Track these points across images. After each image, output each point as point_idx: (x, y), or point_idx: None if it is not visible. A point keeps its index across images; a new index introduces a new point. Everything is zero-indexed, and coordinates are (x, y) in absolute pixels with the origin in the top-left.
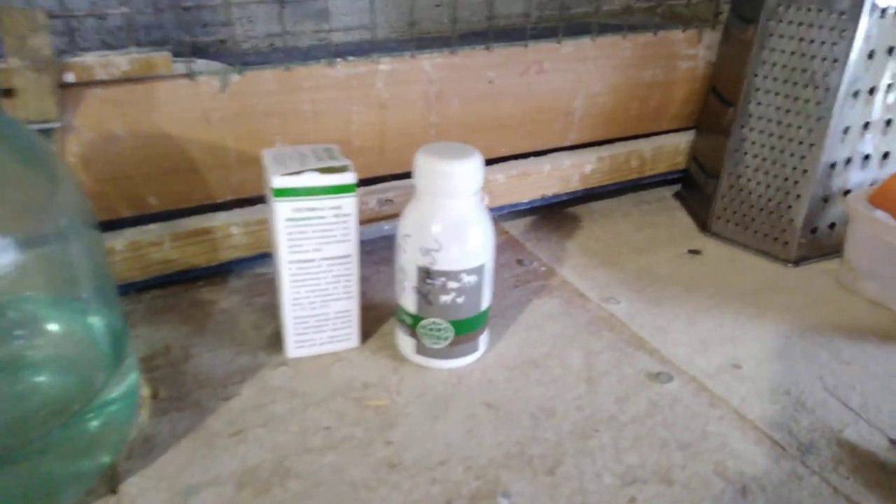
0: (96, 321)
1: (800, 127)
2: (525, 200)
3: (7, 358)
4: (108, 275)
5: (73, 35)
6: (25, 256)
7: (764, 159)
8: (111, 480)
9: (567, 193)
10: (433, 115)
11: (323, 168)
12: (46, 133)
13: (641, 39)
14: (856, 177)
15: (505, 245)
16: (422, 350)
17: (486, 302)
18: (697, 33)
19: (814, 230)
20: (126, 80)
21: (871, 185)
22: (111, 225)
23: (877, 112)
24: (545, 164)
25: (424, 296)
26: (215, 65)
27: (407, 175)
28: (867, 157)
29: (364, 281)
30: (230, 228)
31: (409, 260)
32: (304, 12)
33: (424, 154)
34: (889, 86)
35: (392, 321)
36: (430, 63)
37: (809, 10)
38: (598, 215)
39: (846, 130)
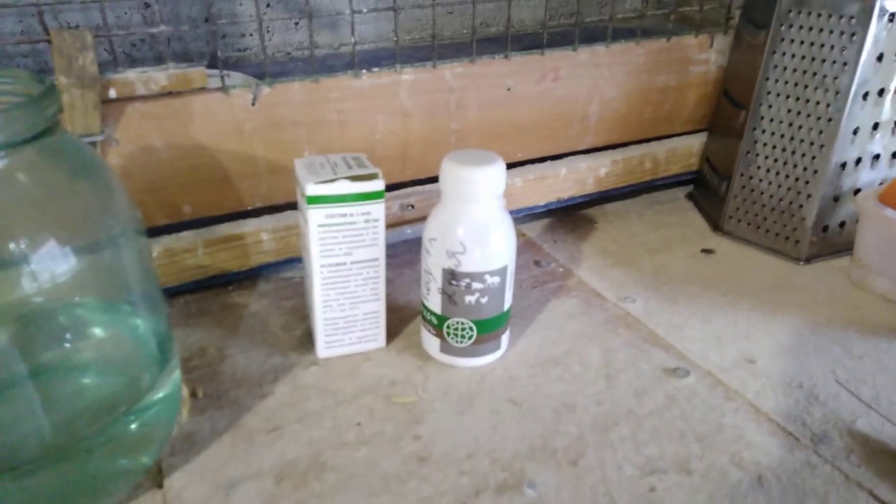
0: (143, 325)
1: (810, 128)
2: (542, 203)
3: (56, 360)
4: (155, 280)
5: (114, 52)
6: (81, 263)
7: (775, 160)
8: (157, 475)
9: (583, 196)
10: (454, 123)
11: (354, 176)
12: (91, 146)
13: (654, 45)
14: (866, 176)
15: (523, 247)
16: (446, 349)
17: (508, 302)
18: (709, 38)
19: (825, 229)
20: (164, 94)
21: (881, 184)
22: (148, 233)
23: (886, 113)
24: (561, 168)
25: (449, 297)
26: (248, 78)
27: (429, 181)
28: (877, 156)
29: (388, 283)
30: (260, 234)
31: (434, 263)
32: (321, 23)
33: (450, 161)
34: None
35: (416, 322)
36: (450, 72)
37: (820, 15)
38: (612, 217)
39: (856, 131)
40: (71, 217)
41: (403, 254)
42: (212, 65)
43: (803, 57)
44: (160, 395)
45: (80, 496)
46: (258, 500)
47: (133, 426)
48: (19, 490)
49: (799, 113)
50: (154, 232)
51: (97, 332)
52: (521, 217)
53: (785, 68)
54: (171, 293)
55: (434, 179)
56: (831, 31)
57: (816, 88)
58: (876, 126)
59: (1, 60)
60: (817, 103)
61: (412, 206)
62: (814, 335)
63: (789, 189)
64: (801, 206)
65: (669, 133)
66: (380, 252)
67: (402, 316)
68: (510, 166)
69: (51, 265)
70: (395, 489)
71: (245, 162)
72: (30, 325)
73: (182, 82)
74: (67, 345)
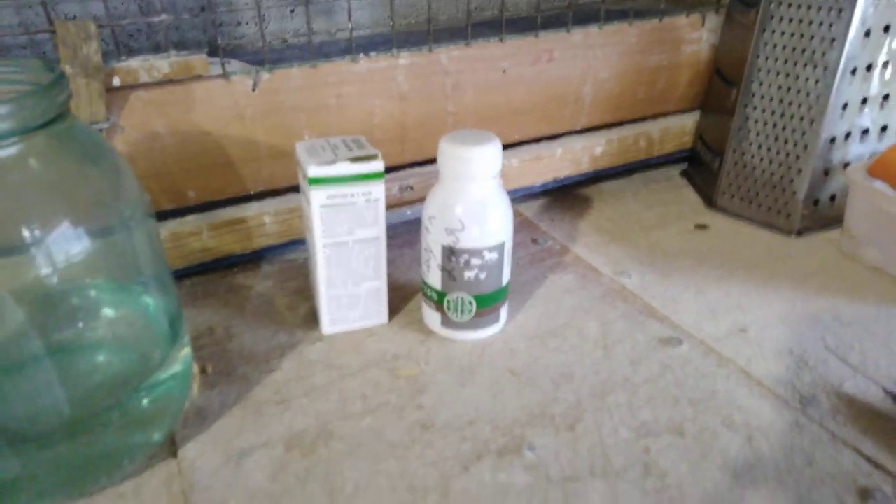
0: (154, 304)
1: (800, 104)
2: (538, 183)
3: (70, 340)
4: (164, 260)
5: (117, 42)
6: (94, 245)
7: (767, 136)
8: (171, 446)
9: (578, 175)
10: (450, 105)
11: (354, 157)
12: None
13: (647, 26)
14: (855, 150)
15: (520, 226)
16: (447, 323)
17: (506, 277)
18: (701, 18)
19: (815, 202)
20: (167, 82)
21: (870, 157)
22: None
23: (874, 88)
24: (557, 148)
25: (449, 273)
26: (247, 66)
27: (426, 163)
28: (866, 131)
29: (389, 263)
30: (263, 217)
31: (434, 240)
32: (317, 9)
33: (447, 141)
34: (885, 62)
35: (417, 299)
36: (446, 56)
37: None
38: (608, 195)
39: (845, 106)
40: (83, 200)
41: (403, 235)
42: (211, 53)
43: (792, 34)
44: (172, 370)
45: (99, 466)
46: (269, 467)
47: (146, 401)
48: (41, 460)
49: (789, 89)
50: (160, 216)
51: (110, 311)
52: (519, 197)
53: (775, 46)
54: (178, 276)
55: (432, 161)
56: (819, 8)
57: (806, 65)
58: (864, 101)
59: None
60: (807, 79)
61: (411, 188)
62: (804, 304)
63: (780, 164)
64: (792, 180)
65: (663, 112)
66: (380, 231)
67: (403, 294)
68: (506, 147)
69: (65, 247)
70: (400, 455)
71: (247, 147)
72: (45, 306)
73: (184, 70)
74: (81, 324)
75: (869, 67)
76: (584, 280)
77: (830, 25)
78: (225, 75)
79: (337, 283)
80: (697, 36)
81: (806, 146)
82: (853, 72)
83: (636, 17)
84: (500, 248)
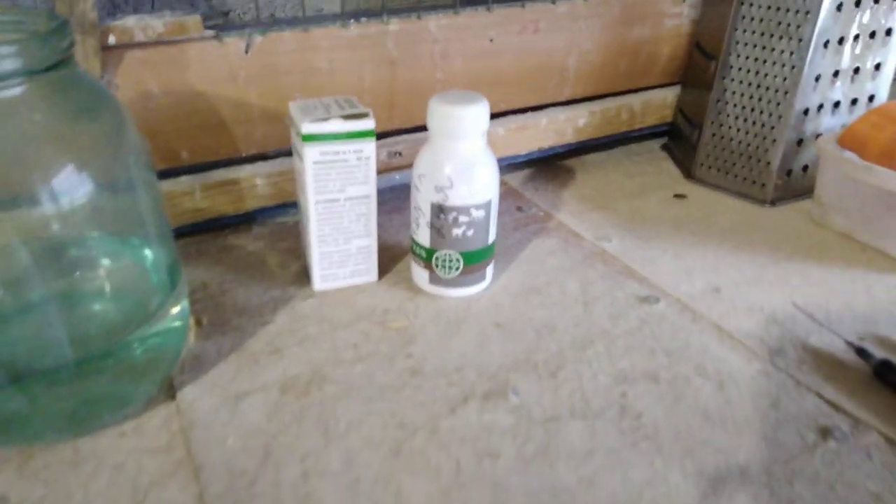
0: (152, 254)
1: (775, 76)
2: (523, 152)
3: (68, 288)
4: (163, 212)
5: (114, 3)
6: (97, 191)
7: (743, 108)
8: (169, 390)
9: (562, 146)
10: (439, 72)
11: (346, 115)
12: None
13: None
14: (827, 122)
15: (505, 195)
16: (435, 280)
17: (492, 236)
18: None
19: (789, 172)
20: (161, 42)
21: (841, 129)
22: None
23: (846, 61)
24: (542, 118)
25: (438, 230)
26: (241, 29)
27: (415, 129)
28: (837, 103)
29: (378, 227)
30: (255, 179)
31: (423, 198)
32: None
33: (437, 100)
34: (856, 36)
35: (405, 260)
36: (435, 24)
37: None
38: (591, 166)
39: (818, 78)
40: (87, 146)
41: (392, 200)
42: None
43: (769, 7)
44: (171, 321)
45: (101, 406)
46: (265, 408)
47: (145, 349)
48: (46, 399)
49: (765, 62)
50: None
51: (110, 260)
52: (504, 167)
53: (752, 19)
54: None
55: (420, 128)
56: None
57: (781, 38)
58: (836, 74)
59: None
60: (782, 52)
61: (399, 154)
62: (775, 267)
63: (756, 135)
64: (766, 150)
65: (645, 85)
66: (371, 189)
67: (392, 255)
68: (493, 116)
69: (70, 190)
70: (390, 397)
71: (240, 108)
72: (48, 252)
73: (178, 29)
74: (84, 271)
75: (841, 41)
76: (566, 244)
77: None
78: (218, 37)
79: (328, 240)
80: (678, 10)
81: (780, 118)
82: (825, 45)
83: None
84: (486, 205)
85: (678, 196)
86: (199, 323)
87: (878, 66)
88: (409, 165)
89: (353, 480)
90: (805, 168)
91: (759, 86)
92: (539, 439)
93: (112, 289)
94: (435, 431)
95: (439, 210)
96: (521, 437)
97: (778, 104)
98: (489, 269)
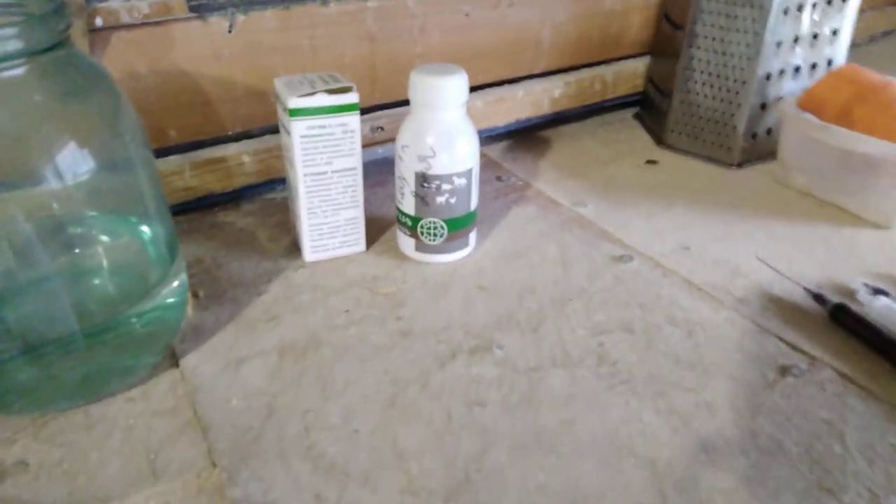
0: (150, 230)
1: (739, 43)
2: (501, 124)
3: (71, 264)
4: (160, 188)
5: None
6: (97, 168)
7: (709, 75)
8: (172, 358)
9: (539, 117)
10: (418, 47)
11: (331, 89)
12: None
13: None
14: (788, 86)
15: (485, 165)
16: (421, 247)
17: (474, 203)
18: None
19: (754, 136)
20: (146, 23)
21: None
22: None
23: (805, 27)
24: (518, 91)
25: (422, 198)
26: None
27: (396, 104)
28: (797, 68)
29: (364, 199)
30: (242, 157)
31: (407, 168)
32: None
33: (418, 72)
34: (814, 4)
35: (391, 230)
36: None
37: None
38: (566, 136)
39: (779, 44)
40: (87, 123)
41: (376, 174)
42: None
43: None
44: (169, 296)
45: (108, 375)
46: (265, 371)
47: (148, 317)
48: (56, 369)
49: (729, 29)
50: None
51: (109, 237)
52: (483, 139)
53: None
54: None
55: (401, 103)
56: None
57: (743, 6)
58: (796, 39)
59: None
60: (744, 19)
61: (381, 129)
62: (741, 225)
63: (722, 101)
64: (732, 115)
65: (616, 56)
66: (357, 161)
67: (378, 226)
68: (472, 90)
69: (71, 166)
70: (383, 356)
71: (225, 87)
72: (52, 230)
73: (163, 10)
74: (86, 248)
75: (799, 7)
76: (544, 210)
77: None
78: (201, 16)
79: (317, 212)
80: None
81: (744, 83)
82: (785, 12)
83: None
84: (468, 173)
85: (650, 162)
86: (196, 296)
87: (835, 32)
88: (392, 140)
89: (352, 432)
90: (769, 131)
91: (723, 53)
92: (523, 388)
93: (113, 264)
94: (426, 385)
95: (423, 179)
96: (506, 387)
97: (742, 70)
98: (472, 236)
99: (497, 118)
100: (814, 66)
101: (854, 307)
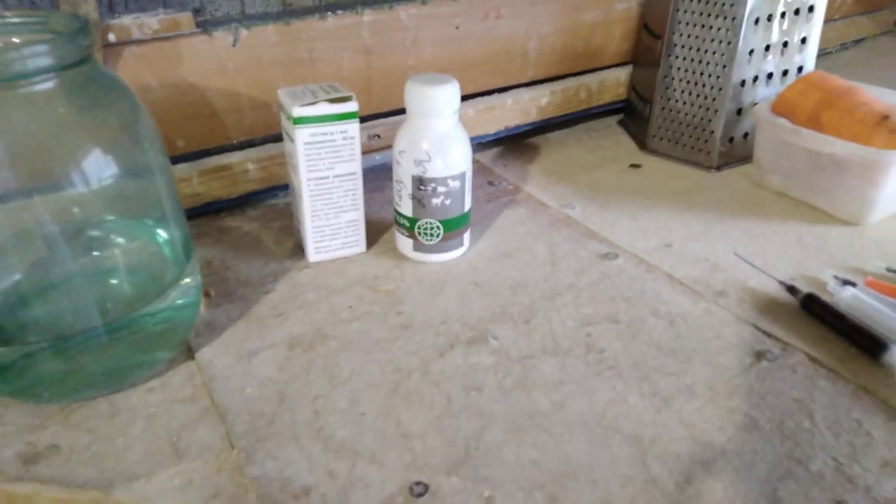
0: (167, 232)
1: (714, 52)
2: (491, 132)
3: (87, 265)
4: (176, 193)
5: (111, 1)
6: (120, 174)
7: (688, 82)
8: (188, 351)
9: (527, 124)
10: (410, 59)
11: (332, 99)
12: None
13: None
14: (762, 92)
15: (477, 171)
16: (418, 247)
17: (468, 204)
18: None
19: (731, 140)
20: (156, 38)
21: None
22: None
23: (775, 36)
24: (507, 99)
25: (419, 200)
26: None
27: (391, 113)
28: (770, 75)
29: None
30: (246, 164)
31: (405, 172)
32: None
33: (413, 82)
34: (783, 13)
35: (389, 233)
36: (405, 13)
37: None
38: (553, 143)
39: (751, 53)
40: (109, 132)
41: (373, 180)
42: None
43: None
44: (188, 285)
45: (130, 367)
46: (275, 362)
47: (165, 314)
48: (80, 362)
49: (704, 39)
50: None
51: (127, 240)
52: (474, 146)
53: (692, 0)
54: None
55: (395, 112)
56: None
57: (717, 16)
58: (767, 48)
59: None
60: (719, 29)
61: (378, 136)
62: (720, 224)
63: (700, 107)
64: (710, 121)
65: (600, 66)
66: (357, 167)
67: (377, 229)
68: (462, 99)
69: (97, 172)
70: (385, 347)
71: (229, 98)
72: (74, 232)
73: (172, 26)
74: (106, 250)
75: (769, 18)
76: (534, 213)
77: None
78: (207, 31)
79: (320, 215)
80: None
81: (720, 90)
82: (756, 22)
83: None
84: (461, 176)
85: (633, 166)
86: (207, 295)
87: (803, 40)
88: (388, 147)
89: (359, 415)
90: (745, 135)
91: (700, 61)
92: (517, 374)
93: (130, 265)
94: (427, 372)
95: (419, 182)
96: (501, 373)
97: (718, 77)
98: (466, 236)
99: (487, 126)
100: (785, 73)
101: (824, 297)
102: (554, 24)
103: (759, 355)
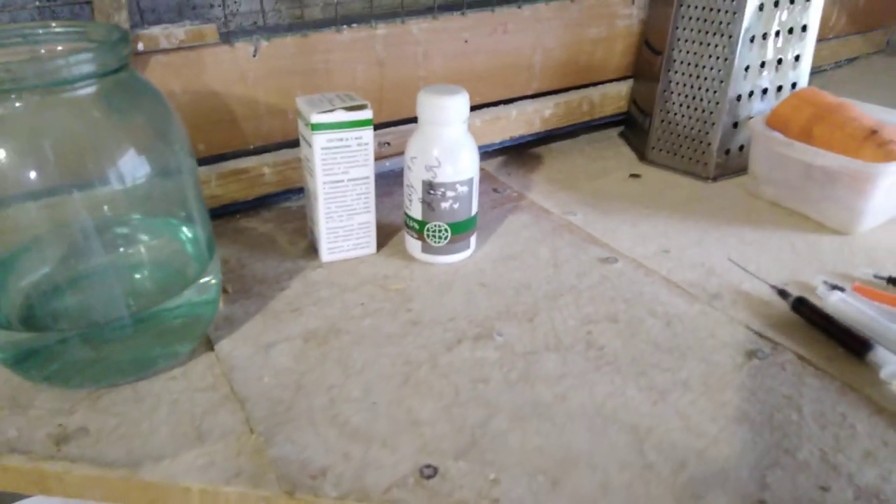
0: (192, 230)
1: (712, 68)
2: (497, 141)
3: (116, 260)
4: (200, 193)
5: (141, 12)
6: (152, 173)
7: (686, 96)
8: (207, 344)
9: (531, 135)
10: (421, 71)
11: (348, 106)
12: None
13: (587, 2)
14: (757, 107)
15: (482, 179)
16: (427, 249)
17: (475, 209)
18: None
19: (727, 152)
20: (181, 48)
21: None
22: None
23: (770, 53)
24: (512, 110)
25: (429, 204)
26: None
27: (402, 122)
28: (765, 90)
29: None
30: (262, 168)
31: (415, 177)
32: None
33: (425, 92)
34: (777, 32)
35: (398, 236)
36: (417, 27)
37: None
38: (556, 153)
39: (747, 69)
40: (143, 134)
41: (383, 186)
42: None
43: (703, 8)
44: (210, 281)
45: (153, 358)
46: (292, 354)
47: (187, 308)
48: (106, 350)
49: (703, 55)
50: None
51: (146, 238)
52: (480, 154)
53: (690, 18)
54: None
55: (406, 121)
56: None
57: (714, 34)
58: (763, 64)
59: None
60: (716, 46)
61: (388, 144)
62: (716, 231)
63: (698, 120)
64: (707, 133)
65: (602, 79)
66: (370, 171)
67: (386, 232)
68: (470, 109)
69: (132, 171)
70: (396, 342)
71: (248, 105)
72: (105, 228)
73: (197, 36)
74: (121, 250)
75: (764, 36)
76: (537, 219)
77: (732, 1)
78: (230, 42)
79: (334, 217)
80: (629, 12)
81: (717, 104)
82: (752, 39)
83: None
84: (469, 182)
85: (633, 176)
86: (225, 291)
87: (797, 58)
88: (398, 154)
89: (372, 403)
90: (741, 147)
91: (698, 76)
92: (521, 368)
93: (155, 261)
94: (436, 365)
95: (429, 187)
96: (506, 367)
97: (715, 92)
98: (473, 239)
99: (493, 135)
100: (780, 89)
101: (814, 301)
102: (558, 39)
103: (751, 354)
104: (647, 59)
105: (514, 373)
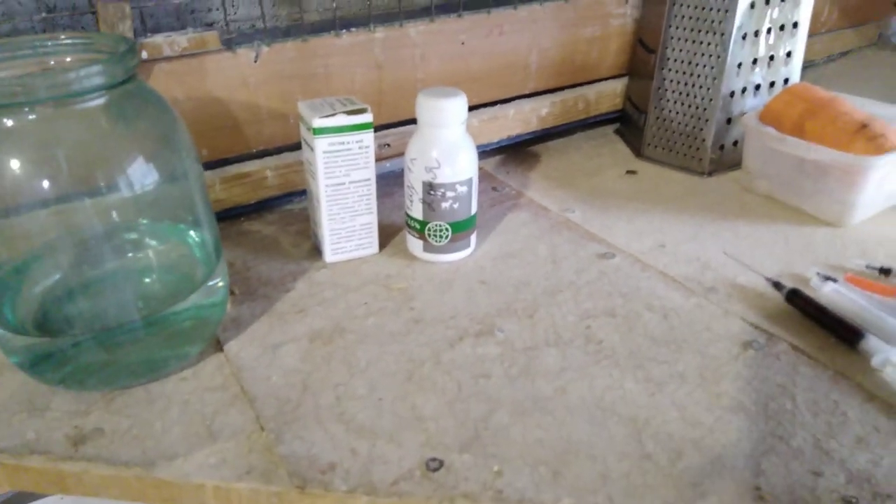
0: (199, 234)
1: (705, 65)
2: (494, 140)
3: (126, 264)
4: (208, 199)
5: (144, 21)
6: (160, 180)
7: (680, 94)
8: (216, 344)
9: (528, 133)
10: (419, 73)
11: (349, 110)
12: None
13: (581, 2)
14: (750, 103)
15: (481, 177)
16: (428, 248)
17: (474, 208)
18: None
19: (721, 147)
20: (184, 55)
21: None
22: None
23: (762, 50)
24: (510, 110)
25: (429, 204)
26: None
27: (401, 123)
28: (758, 86)
29: None
30: (265, 172)
31: (416, 178)
32: None
33: (424, 95)
34: (769, 29)
35: (399, 236)
36: (414, 30)
37: None
38: (554, 151)
39: (739, 66)
40: (151, 142)
41: (383, 187)
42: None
43: (696, 6)
44: (217, 283)
45: (164, 359)
46: (298, 354)
47: (196, 310)
48: (120, 352)
49: (696, 53)
50: None
51: (154, 243)
52: (479, 153)
53: (683, 17)
54: None
55: (405, 122)
56: None
57: (708, 32)
58: (755, 61)
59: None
60: (709, 44)
61: (388, 145)
62: (711, 226)
63: (692, 117)
64: (701, 129)
65: (597, 78)
66: (371, 173)
67: (388, 232)
68: (468, 109)
69: (141, 178)
70: (399, 340)
71: (250, 110)
72: (114, 233)
73: (199, 44)
74: (129, 254)
75: (756, 33)
76: (536, 216)
77: None
78: (231, 48)
79: (337, 218)
80: (622, 11)
81: (711, 101)
82: (744, 37)
83: None
84: (468, 182)
85: (630, 172)
86: (232, 293)
87: (789, 54)
88: (398, 155)
89: (377, 400)
90: (735, 143)
91: (692, 74)
92: (522, 363)
93: (163, 265)
94: (438, 362)
95: (430, 187)
96: (507, 362)
97: (708, 89)
98: (473, 238)
99: (491, 135)
100: (772, 84)
101: (807, 292)
102: (553, 39)
103: (746, 345)
104: (642, 58)
105: (515, 368)
